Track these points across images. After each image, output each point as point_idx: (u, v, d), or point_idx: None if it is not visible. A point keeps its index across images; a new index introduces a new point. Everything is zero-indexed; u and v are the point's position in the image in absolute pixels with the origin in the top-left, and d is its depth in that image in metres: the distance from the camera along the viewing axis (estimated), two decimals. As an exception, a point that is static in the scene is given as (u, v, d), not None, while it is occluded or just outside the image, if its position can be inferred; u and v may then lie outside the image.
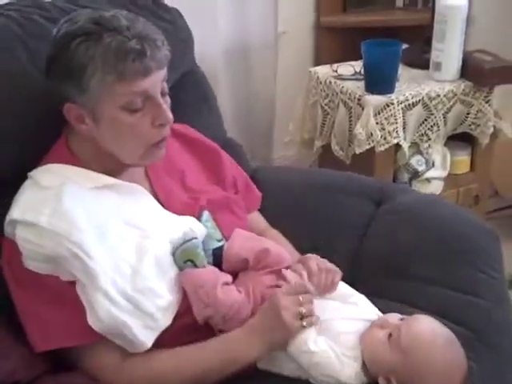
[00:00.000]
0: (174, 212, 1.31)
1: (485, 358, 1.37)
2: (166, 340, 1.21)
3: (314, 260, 1.32)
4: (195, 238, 1.27)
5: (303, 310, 1.19)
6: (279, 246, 1.36)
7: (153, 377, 1.19)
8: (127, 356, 1.19)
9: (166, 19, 1.65)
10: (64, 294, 1.16)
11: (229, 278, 1.27)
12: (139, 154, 1.24)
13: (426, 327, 1.21)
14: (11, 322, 1.18)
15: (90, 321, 1.14)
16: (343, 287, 1.34)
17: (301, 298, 1.20)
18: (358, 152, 2.13)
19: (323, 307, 1.26)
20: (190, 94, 1.73)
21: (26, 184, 1.24)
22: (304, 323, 1.18)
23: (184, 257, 1.25)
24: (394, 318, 1.25)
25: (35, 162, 1.28)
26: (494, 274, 1.52)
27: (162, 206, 1.32)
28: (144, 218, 1.26)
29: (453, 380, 1.18)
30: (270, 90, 2.68)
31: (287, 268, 1.32)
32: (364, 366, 1.20)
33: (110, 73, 1.14)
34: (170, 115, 1.22)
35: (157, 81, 1.19)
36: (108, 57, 1.13)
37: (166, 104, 1.22)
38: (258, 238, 1.38)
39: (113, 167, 1.27)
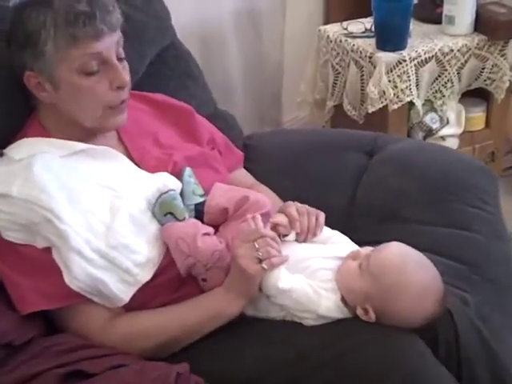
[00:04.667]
0: (149, 169, 1.33)
1: (482, 291, 1.38)
2: (152, 296, 1.25)
3: (294, 206, 1.32)
4: (172, 190, 1.28)
5: (259, 253, 1.18)
6: (258, 194, 1.37)
7: (136, 334, 1.22)
8: (112, 316, 1.23)
9: None
10: (40, 261, 1.19)
11: (210, 229, 1.28)
12: (98, 116, 1.26)
13: (394, 251, 1.21)
14: (2, 288, 1.22)
15: (67, 280, 1.17)
16: (324, 230, 1.34)
17: (256, 245, 1.19)
18: (370, 111, 2.10)
19: (299, 249, 1.27)
20: (172, 68, 1.73)
21: (0, 160, 1.27)
22: (264, 266, 1.18)
23: (163, 210, 1.27)
24: (365, 249, 1.25)
25: (8, 140, 1.30)
26: (488, 208, 1.52)
27: (137, 166, 1.34)
28: (117, 179, 1.28)
29: (427, 302, 1.17)
30: (279, 52, 2.64)
31: (267, 214, 1.32)
32: (344, 298, 1.21)
33: (63, 37, 1.17)
34: (127, 78, 1.26)
35: (110, 44, 1.22)
36: (59, 21, 1.17)
37: (123, 68, 1.25)
38: (237, 188, 1.39)
39: (82, 136, 1.30)
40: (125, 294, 1.21)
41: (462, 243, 1.46)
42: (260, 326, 1.24)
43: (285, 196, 1.53)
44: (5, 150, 1.28)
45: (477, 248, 1.46)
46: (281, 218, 1.30)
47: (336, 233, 1.35)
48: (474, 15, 2.16)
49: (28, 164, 1.21)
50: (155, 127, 1.44)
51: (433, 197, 1.54)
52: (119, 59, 1.25)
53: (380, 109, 2.09)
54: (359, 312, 1.19)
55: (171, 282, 1.26)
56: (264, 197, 1.36)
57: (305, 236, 1.30)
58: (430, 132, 2.23)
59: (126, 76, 1.26)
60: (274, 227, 1.28)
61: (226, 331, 1.23)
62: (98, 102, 1.24)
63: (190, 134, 1.48)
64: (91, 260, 1.18)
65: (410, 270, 1.18)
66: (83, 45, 1.18)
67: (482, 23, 2.16)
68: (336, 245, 1.32)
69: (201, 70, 1.83)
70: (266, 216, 1.32)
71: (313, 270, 1.23)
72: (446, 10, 2.16)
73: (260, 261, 1.18)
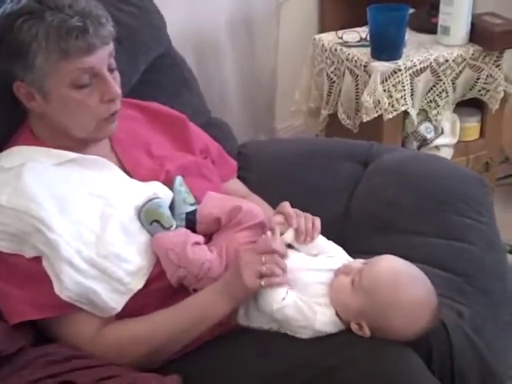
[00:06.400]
0: (140, 179, 1.33)
1: (477, 302, 1.38)
2: (144, 304, 1.24)
3: (289, 205, 1.32)
4: (157, 197, 1.28)
5: (263, 268, 1.18)
6: (251, 203, 1.37)
7: (126, 342, 1.21)
8: (103, 325, 1.22)
9: (133, 3, 1.65)
10: (29, 270, 1.18)
11: (200, 238, 1.28)
12: (91, 128, 1.26)
13: (387, 266, 1.20)
14: None
15: (57, 290, 1.16)
16: (319, 238, 1.33)
17: (263, 258, 1.19)
18: (365, 120, 2.10)
19: (293, 259, 1.26)
20: (167, 76, 1.73)
21: None
22: (262, 282, 1.17)
23: (148, 218, 1.26)
24: (357, 262, 1.24)
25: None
26: (482, 219, 1.52)
27: (129, 175, 1.34)
28: (108, 188, 1.28)
29: (421, 317, 1.17)
30: (273, 60, 2.64)
31: (260, 223, 1.32)
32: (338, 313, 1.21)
33: (54, 51, 1.16)
34: (118, 90, 1.25)
35: (102, 57, 1.20)
36: (51, 35, 1.15)
37: (114, 79, 1.24)
38: (230, 197, 1.39)
39: (73, 144, 1.28)
40: (117, 303, 1.21)
41: (457, 255, 1.45)
42: (258, 339, 1.23)
43: (278, 206, 1.53)
44: None
45: (472, 259, 1.45)
46: (278, 218, 1.30)
47: (330, 243, 1.34)
48: (469, 26, 2.16)
49: (18, 173, 1.21)
50: (148, 136, 1.43)
51: (427, 207, 1.54)
52: (110, 70, 1.24)
53: (375, 118, 2.08)
54: (353, 327, 1.18)
55: (163, 290, 1.25)
56: (257, 207, 1.36)
57: (304, 237, 1.29)
58: (424, 142, 2.23)
59: (118, 88, 1.25)
60: (272, 227, 1.28)
61: (224, 344, 1.23)
62: (90, 114, 1.24)
63: (182, 142, 1.47)
64: (82, 270, 1.17)
65: (403, 285, 1.17)
66: (75, 59, 1.17)
67: (477, 34, 2.16)
68: (329, 257, 1.30)
69: (195, 78, 1.83)
70: (258, 226, 1.32)
71: (305, 284, 1.23)
72: (442, 20, 2.16)
73: (261, 275, 1.18)
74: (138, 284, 1.22)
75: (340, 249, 1.34)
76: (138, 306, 1.23)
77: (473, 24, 2.16)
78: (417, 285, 1.19)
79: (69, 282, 1.16)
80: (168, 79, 1.73)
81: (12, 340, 1.16)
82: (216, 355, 1.23)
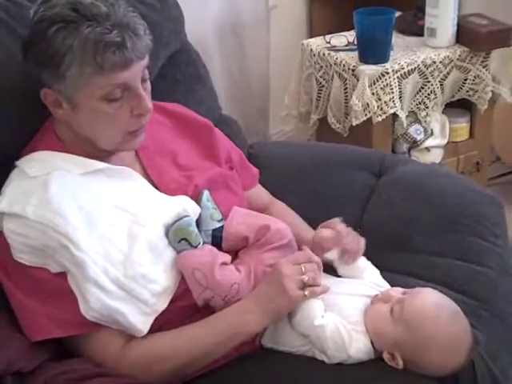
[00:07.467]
0: (168, 192, 1.28)
1: (492, 328, 1.36)
2: (166, 321, 1.20)
3: (341, 223, 1.31)
4: (187, 215, 1.24)
5: (306, 277, 1.17)
6: (279, 221, 1.33)
7: (152, 359, 1.18)
8: (126, 342, 1.18)
9: None
10: (54, 286, 1.15)
11: (227, 257, 1.25)
12: (117, 141, 1.22)
13: (430, 300, 1.19)
14: (12, 312, 1.17)
15: (83, 310, 1.13)
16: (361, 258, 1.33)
17: (303, 268, 1.18)
18: (354, 124, 2.11)
19: (327, 283, 1.24)
20: (182, 71, 1.71)
21: (14, 174, 1.22)
22: (306, 292, 1.17)
23: (177, 236, 1.22)
24: (396, 291, 1.23)
25: (21, 147, 1.26)
26: (498, 242, 1.50)
27: (155, 187, 1.29)
28: (135, 202, 1.23)
29: (458, 352, 1.16)
30: (264, 65, 2.65)
31: (288, 243, 1.30)
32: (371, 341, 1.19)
33: (89, 65, 1.11)
34: (150, 104, 1.20)
35: (137, 71, 1.16)
36: (87, 48, 1.10)
37: (146, 91, 1.20)
38: (257, 214, 1.35)
39: (98, 153, 1.24)
40: (143, 324, 1.17)
41: (473, 277, 1.43)
42: (281, 360, 1.21)
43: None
44: (17, 162, 1.22)
45: (487, 283, 1.43)
46: (328, 232, 1.29)
47: (369, 264, 1.33)
48: (456, 27, 2.18)
49: (44, 183, 1.16)
50: (174, 143, 1.39)
51: (445, 226, 1.51)
52: (143, 80, 1.19)
53: (364, 121, 2.09)
54: (386, 357, 1.17)
55: (188, 308, 1.22)
56: (285, 225, 1.32)
57: (350, 256, 1.29)
58: (414, 143, 2.24)
59: (149, 102, 1.19)
60: (320, 241, 1.28)
61: (244, 365, 1.20)
62: (117, 127, 1.19)
63: (208, 150, 1.43)
64: (109, 291, 1.14)
65: (444, 321, 1.16)
66: (110, 74, 1.12)
67: (464, 35, 2.17)
68: (366, 281, 1.30)
69: (208, 73, 1.81)
70: (287, 246, 1.30)
71: (341, 308, 1.22)
72: (428, 22, 2.17)
73: (303, 285, 1.17)
74: (163, 304, 1.19)
75: (377, 272, 1.33)
76: (161, 322, 1.20)
77: (459, 25, 2.18)
78: (457, 322, 1.18)
79: (95, 302, 1.12)
80: (184, 75, 1.71)
81: (33, 355, 1.13)
82: (235, 376, 1.20)
